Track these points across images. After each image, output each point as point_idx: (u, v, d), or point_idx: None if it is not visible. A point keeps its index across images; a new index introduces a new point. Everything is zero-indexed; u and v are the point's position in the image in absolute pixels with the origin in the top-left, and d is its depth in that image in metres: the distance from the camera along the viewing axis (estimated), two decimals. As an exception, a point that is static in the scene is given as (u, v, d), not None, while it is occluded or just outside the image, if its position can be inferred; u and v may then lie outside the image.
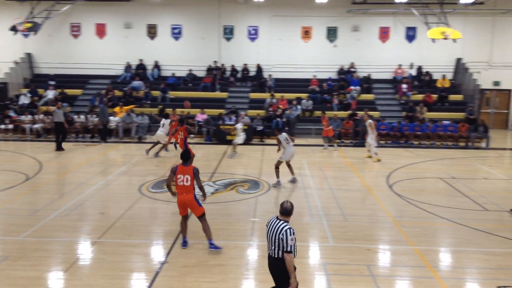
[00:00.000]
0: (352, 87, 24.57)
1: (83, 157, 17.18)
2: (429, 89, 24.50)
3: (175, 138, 16.62)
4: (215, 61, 26.01)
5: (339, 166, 16.33)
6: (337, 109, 23.41)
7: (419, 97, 23.98)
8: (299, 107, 23.33)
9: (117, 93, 24.24)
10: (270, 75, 25.43)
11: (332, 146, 19.54)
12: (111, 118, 21.32)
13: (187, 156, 8.49)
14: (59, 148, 18.15)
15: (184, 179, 8.23)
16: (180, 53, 26.33)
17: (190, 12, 26.23)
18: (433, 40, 21.07)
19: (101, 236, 9.19)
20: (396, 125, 21.26)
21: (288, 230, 5.59)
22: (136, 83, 24.94)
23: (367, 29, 25.92)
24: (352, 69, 25.75)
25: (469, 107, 22.69)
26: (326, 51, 26.11)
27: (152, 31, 26.46)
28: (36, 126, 21.52)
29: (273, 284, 6.03)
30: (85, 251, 8.55)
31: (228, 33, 26.28)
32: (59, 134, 18.35)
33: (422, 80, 25.38)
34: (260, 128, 21.60)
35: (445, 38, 19.45)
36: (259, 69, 25.89)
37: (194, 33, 26.35)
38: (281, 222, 5.74)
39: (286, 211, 5.82)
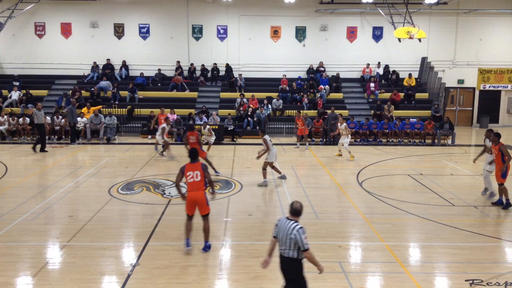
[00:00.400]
0: (322, 86, 24.82)
1: (50, 159, 16.76)
2: (396, 87, 25.00)
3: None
4: (178, 61, 25.68)
5: (310, 164, 16.47)
6: (307, 108, 23.61)
7: (387, 95, 24.43)
8: (269, 106, 23.42)
9: (84, 93, 23.77)
10: (240, 75, 25.42)
11: (304, 145, 19.71)
12: (79, 119, 20.88)
13: (195, 154, 8.50)
14: (42, 149, 17.83)
15: (194, 175, 8.24)
16: (149, 53, 26.03)
17: (158, 11, 25.95)
18: (399, 39, 21.47)
19: (70, 239, 8.98)
20: (364, 123, 21.60)
21: (299, 230, 5.66)
22: (104, 83, 24.51)
23: (335, 28, 26.24)
24: (321, 68, 26.01)
25: (435, 105, 23.26)
26: (295, 51, 26.30)
27: (119, 31, 26.06)
28: (1, 128, 20.87)
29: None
30: (54, 255, 8.34)
31: (197, 32, 26.13)
32: (43, 135, 17.94)
33: (389, 79, 25.87)
34: (231, 127, 21.57)
35: (411, 38, 19.83)
36: (229, 68, 25.85)
37: (162, 32, 26.09)
38: (292, 222, 5.79)
39: (296, 211, 5.87)
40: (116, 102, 23.54)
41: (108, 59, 25.80)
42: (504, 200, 11.23)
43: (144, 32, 26.08)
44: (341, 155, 17.54)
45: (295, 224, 5.74)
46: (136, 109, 23.35)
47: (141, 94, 24.39)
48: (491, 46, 26.47)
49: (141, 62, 25.95)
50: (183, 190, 8.63)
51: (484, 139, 12.55)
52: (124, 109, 23.02)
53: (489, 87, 26.93)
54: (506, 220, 10.57)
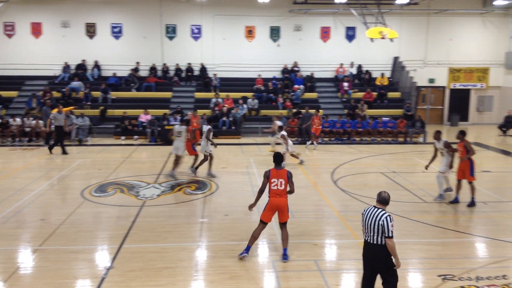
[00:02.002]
0: (297, 86, 24.97)
1: (20, 162, 16.39)
2: (369, 87, 25.33)
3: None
4: (137, 62, 25.30)
5: (286, 164, 16.51)
6: (282, 107, 23.71)
7: (360, 95, 24.74)
8: (245, 106, 23.42)
9: (55, 94, 23.29)
10: (215, 75, 25.34)
11: (312, 144, 19.58)
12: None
13: (279, 159, 8.30)
14: (64, 151, 17.75)
15: (278, 183, 8.06)
16: (121, 53, 25.69)
17: (130, 11, 25.65)
18: (372, 39, 21.79)
19: (42, 243, 8.80)
20: (338, 121, 21.84)
21: (388, 218, 5.95)
22: (75, 83, 24.08)
23: (309, 28, 26.42)
24: (296, 68, 26.16)
25: (407, 104, 23.67)
26: (269, 51, 26.37)
27: (91, 30, 25.64)
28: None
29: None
30: (26, 259, 8.16)
31: (171, 32, 25.93)
32: (62, 137, 17.94)
33: (362, 79, 26.20)
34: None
35: (383, 38, 20.15)
36: (204, 68, 25.74)
37: (135, 32, 25.79)
38: (380, 210, 6.07)
39: (384, 200, 6.14)
40: (88, 103, 23.16)
41: (80, 59, 25.33)
42: (470, 198, 11.33)
43: (117, 31, 25.73)
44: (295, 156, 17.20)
45: (383, 212, 6.04)
46: (109, 110, 23.03)
47: (114, 94, 24.06)
48: (461, 46, 27.08)
49: (113, 62, 25.59)
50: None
51: (434, 142, 12.51)
52: (96, 110, 22.68)
53: (459, 86, 27.54)
54: (476, 216, 10.83)
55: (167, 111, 22.54)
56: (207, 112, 22.76)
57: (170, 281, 7.32)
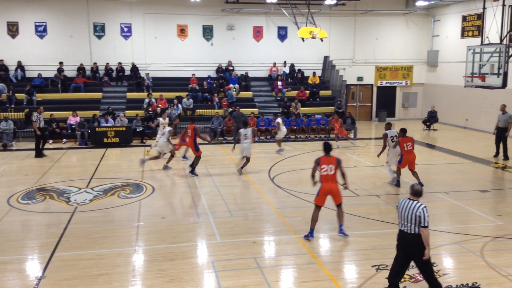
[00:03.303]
0: (231, 85, 25.01)
1: None
2: (302, 85, 25.87)
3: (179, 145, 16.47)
4: (61, 62, 24.16)
5: (223, 163, 16.53)
6: (218, 107, 23.65)
7: (293, 93, 25.21)
8: (179, 106, 23.11)
9: (-26, 97, 21.80)
10: (147, 74, 24.80)
11: (352, 142, 20.56)
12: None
13: (329, 147, 9.03)
14: (40, 154, 17.42)
15: (328, 168, 8.77)
16: (47, 52, 24.45)
17: (55, 9, 24.48)
18: (303, 39, 22.23)
19: (-37, 257, 8.21)
20: (273, 119, 22.10)
21: (424, 208, 6.31)
22: (-3, 85, 22.64)
23: (242, 28, 26.54)
24: (230, 68, 26.19)
25: (338, 102, 24.43)
26: (203, 50, 26.21)
27: (13, 29, 24.19)
28: None
29: None
30: None
31: (99, 30, 25.06)
32: (44, 139, 17.86)
33: (295, 78, 26.71)
34: (139, 129, 20.99)
35: (313, 37, 20.59)
36: (135, 68, 25.11)
37: (61, 30, 24.65)
38: (415, 202, 6.42)
39: (418, 192, 6.49)
40: (12, 106, 21.85)
41: (1, 60, 23.84)
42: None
43: (41, 30, 24.47)
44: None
45: (419, 203, 6.39)
46: (34, 113, 21.82)
47: (39, 96, 22.87)
48: (386, 45, 28.33)
49: (38, 63, 24.32)
50: (316, 178, 9.08)
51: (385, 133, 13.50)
52: (21, 113, 21.44)
53: (386, 83, 28.82)
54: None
55: (97, 112, 21.76)
56: (140, 112, 22.24)
57: (106, 288, 7.08)
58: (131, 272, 7.68)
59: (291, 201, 11.80)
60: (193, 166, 14.39)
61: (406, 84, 29.01)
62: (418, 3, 25.95)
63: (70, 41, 24.75)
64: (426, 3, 25.69)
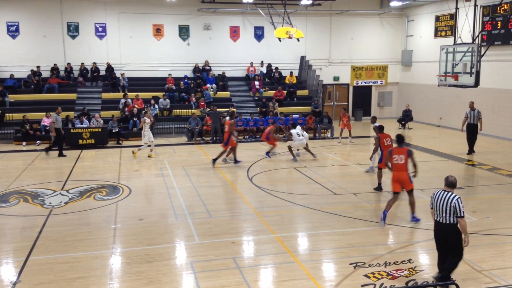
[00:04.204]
0: (208, 85, 24.90)
1: None
2: (279, 85, 25.94)
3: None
4: (38, 66, 23.64)
5: (201, 163, 16.44)
6: (195, 107, 23.51)
7: (271, 93, 25.26)
8: (156, 106, 22.90)
9: None
10: (122, 74, 24.49)
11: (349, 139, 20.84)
12: None
13: (402, 139, 10.13)
14: (61, 154, 17.67)
15: (399, 158, 9.65)
16: (19, 53, 23.90)
17: (28, 8, 23.96)
18: (279, 39, 22.30)
19: None
20: (251, 119, 22.14)
21: (459, 199, 6.70)
22: (-33, 86, 22.05)
23: (218, 28, 26.46)
24: (207, 67, 26.08)
25: (315, 101, 24.60)
26: (180, 49, 26.03)
27: (-17, 29, 23.60)
28: None
29: None
30: None
31: (73, 30, 24.64)
32: (61, 140, 17.82)
33: (272, 77, 26.77)
34: (115, 130, 20.72)
35: (290, 37, 20.68)
36: (110, 68, 24.77)
37: (34, 30, 24.14)
38: (450, 193, 6.80)
39: (452, 184, 6.87)
40: (-17, 107, 21.33)
41: (-30, 60, 23.25)
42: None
43: (13, 30, 23.90)
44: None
45: (454, 194, 6.77)
46: (7, 114, 21.36)
47: (12, 97, 22.37)
48: (362, 45, 28.63)
49: (11, 63, 23.78)
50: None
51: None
52: (-8, 115, 20.96)
53: (361, 83, 29.13)
54: (382, 205, 11.52)
55: (71, 113, 21.39)
56: (116, 113, 21.95)
57: (83, 292, 6.97)
58: (108, 275, 7.57)
59: (270, 200, 11.83)
60: (216, 158, 15.69)
61: (381, 83, 29.39)
62: (392, 4, 26.31)
63: (43, 41, 24.28)
64: (400, 3, 26.07)
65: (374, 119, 15.11)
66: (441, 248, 6.99)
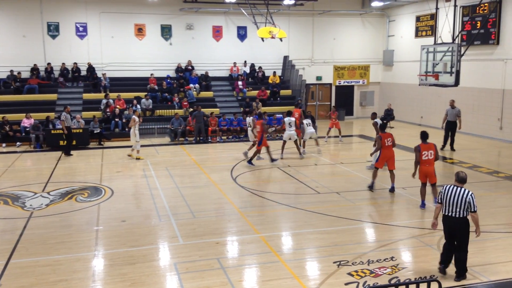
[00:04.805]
0: (191, 85, 24.79)
1: None
2: (263, 85, 25.97)
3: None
4: (19, 72, 23.16)
5: (184, 164, 16.36)
6: (178, 107, 23.39)
7: (254, 93, 25.26)
8: (138, 106, 22.71)
9: None
10: (104, 74, 24.24)
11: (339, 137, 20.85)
12: None
13: (426, 135, 10.73)
14: (68, 153, 17.85)
15: (428, 154, 10.44)
16: (-3, 53, 23.51)
17: (6, 8, 23.54)
18: (262, 39, 22.31)
19: None
20: (234, 119, 22.11)
21: (473, 195, 7.00)
22: None
23: (201, 27, 26.36)
24: (190, 67, 25.97)
25: (298, 101, 24.65)
26: (162, 49, 25.85)
27: (-40, 28, 23.12)
28: None
29: None
30: None
31: (53, 30, 24.30)
32: (71, 139, 18.24)
33: (255, 77, 26.78)
34: (97, 130, 20.48)
35: (273, 37, 20.69)
36: (91, 68, 24.49)
37: (12, 30, 23.72)
38: (462, 188, 7.07)
39: (463, 179, 7.17)
40: (-39, 108, 20.90)
41: None
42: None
43: (-9, 29, 23.50)
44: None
45: (467, 190, 7.04)
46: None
47: (-10, 98, 21.98)
48: (344, 45, 28.82)
49: (-12, 64, 23.39)
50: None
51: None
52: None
53: (344, 82, 29.33)
54: (364, 203, 11.63)
55: (52, 114, 21.08)
56: (97, 114, 21.71)
57: (65, 295, 6.88)
58: (91, 278, 7.49)
59: (254, 200, 11.83)
60: (251, 157, 15.77)
61: (363, 83, 29.62)
62: (373, 4, 26.53)
63: (23, 41, 23.88)
64: (382, 3, 26.31)
65: (374, 115, 15.26)
66: (452, 241, 7.20)
